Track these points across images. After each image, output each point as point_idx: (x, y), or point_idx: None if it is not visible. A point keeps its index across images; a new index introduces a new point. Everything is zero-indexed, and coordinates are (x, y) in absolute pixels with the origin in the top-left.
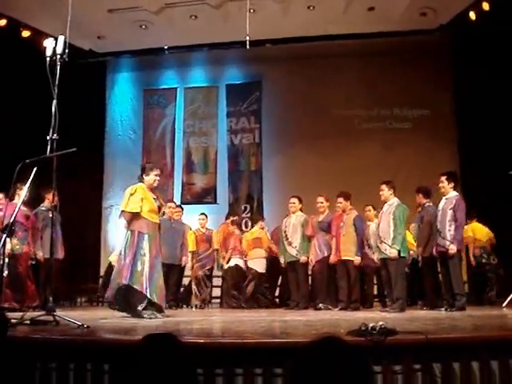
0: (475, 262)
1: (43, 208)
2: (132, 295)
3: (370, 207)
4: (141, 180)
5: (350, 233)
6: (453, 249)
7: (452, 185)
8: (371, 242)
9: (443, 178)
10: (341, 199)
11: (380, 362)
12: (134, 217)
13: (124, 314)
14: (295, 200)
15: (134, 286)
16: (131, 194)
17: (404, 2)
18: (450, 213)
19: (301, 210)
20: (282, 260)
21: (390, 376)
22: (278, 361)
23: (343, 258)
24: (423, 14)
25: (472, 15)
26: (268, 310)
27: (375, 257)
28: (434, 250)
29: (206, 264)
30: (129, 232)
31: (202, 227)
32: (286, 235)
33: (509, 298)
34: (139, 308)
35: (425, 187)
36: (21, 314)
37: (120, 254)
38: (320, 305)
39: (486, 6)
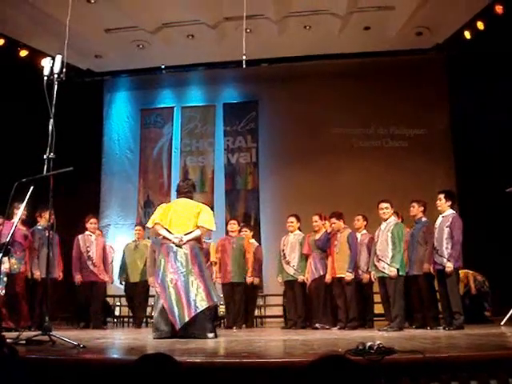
0: (476, 290)
1: (39, 227)
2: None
3: (360, 217)
4: (191, 196)
5: (343, 251)
6: (450, 267)
7: (449, 203)
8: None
9: (441, 196)
10: (333, 219)
11: (378, 381)
12: None
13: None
14: (293, 219)
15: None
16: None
17: (400, 21)
18: (446, 230)
19: (299, 228)
20: (279, 279)
21: None
22: (275, 381)
23: (338, 275)
24: (419, 33)
25: (467, 34)
26: (266, 329)
27: (372, 275)
28: (432, 268)
29: None
30: (198, 248)
31: (210, 238)
32: (284, 254)
33: (507, 316)
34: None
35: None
36: (16, 333)
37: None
38: (317, 324)
39: (480, 26)
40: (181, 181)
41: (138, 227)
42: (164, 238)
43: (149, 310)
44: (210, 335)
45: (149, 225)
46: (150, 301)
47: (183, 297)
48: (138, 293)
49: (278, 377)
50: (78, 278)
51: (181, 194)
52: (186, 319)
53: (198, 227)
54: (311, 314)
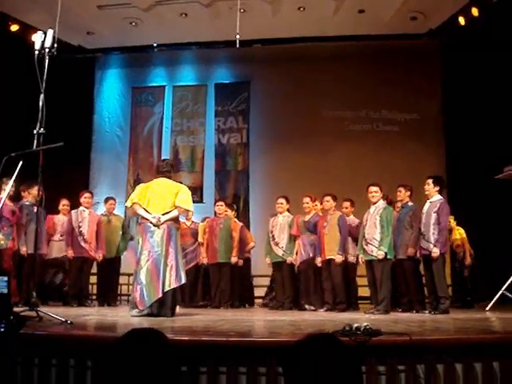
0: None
1: (27, 202)
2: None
3: (348, 203)
4: (169, 176)
5: (333, 232)
6: (436, 252)
7: (437, 188)
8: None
9: (429, 181)
10: (328, 198)
11: (364, 362)
12: None
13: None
14: (283, 200)
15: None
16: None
17: (394, 5)
18: (434, 216)
19: (288, 210)
20: (267, 260)
21: (374, 377)
22: (262, 360)
23: (327, 257)
24: (413, 17)
25: (461, 20)
26: (254, 309)
27: (360, 258)
28: (418, 253)
29: (191, 260)
30: (175, 229)
31: (188, 220)
32: (273, 235)
33: (492, 302)
34: None
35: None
36: None
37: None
38: (306, 305)
39: (475, 12)
40: (160, 160)
41: (111, 200)
42: (142, 217)
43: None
44: (170, 314)
45: (127, 204)
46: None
47: (155, 276)
48: (114, 269)
49: (264, 356)
50: (69, 252)
51: (159, 173)
52: (155, 298)
53: (175, 207)
54: (299, 296)
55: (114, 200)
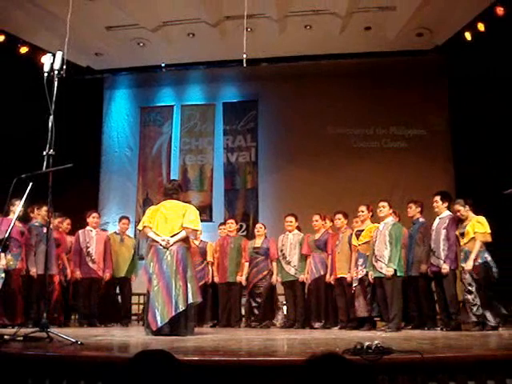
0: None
1: (36, 223)
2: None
3: (341, 215)
4: (177, 197)
5: (345, 250)
6: (446, 268)
7: (446, 204)
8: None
9: (437, 198)
10: (340, 215)
11: (375, 381)
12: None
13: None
14: (292, 219)
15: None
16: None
17: (400, 22)
18: (443, 232)
19: (298, 228)
20: (279, 279)
21: None
22: (272, 379)
23: (339, 275)
24: (419, 34)
25: (467, 36)
26: (264, 328)
27: (369, 275)
28: (429, 270)
29: (200, 279)
30: (185, 249)
31: (196, 239)
32: (284, 254)
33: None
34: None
35: (419, 200)
36: (11, 330)
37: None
38: (316, 324)
39: (481, 27)
40: (167, 182)
41: (125, 220)
42: (152, 240)
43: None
44: (188, 334)
45: (139, 227)
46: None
47: (166, 297)
48: (123, 288)
49: (275, 375)
50: (77, 273)
51: (167, 195)
52: (167, 319)
53: (183, 228)
54: (310, 314)
55: (128, 220)
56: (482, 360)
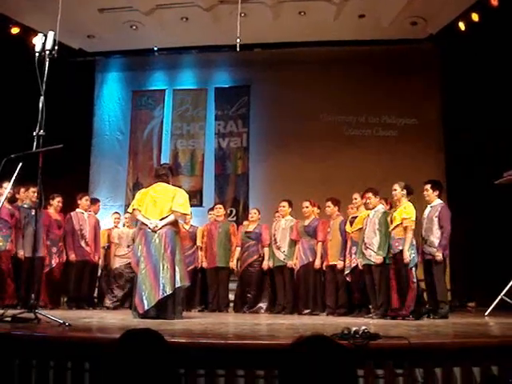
0: None
1: (25, 205)
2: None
3: (330, 202)
4: (167, 180)
5: (336, 237)
6: (439, 255)
7: (437, 193)
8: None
9: (428, 186)
10: (329, 203)
11: (362, 365)
12: None
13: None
14: (285, 204)
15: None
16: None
17: (394, 10)
18: (435, 220)
19: (290, 214)
20: (270, 264)
21: (372, 380)
22: (260, 362)
23: (331, 263)
24: (413, 23)
25: (461, 25)
26: (252, 313)
27: (359, 262)
28: (420, 258)
29: (189, 264)
30: (174, 233)
31: (186, 224)
32: (275, 239)
33: (491, 307)
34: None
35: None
36: (1, 311)
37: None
38: (304, 310)
39: (475, 17)
40: (158, 165)
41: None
42: (142, 223)
43: None
44: (175, 318)
45: (129, 210)
46: None
47: (154, 280)
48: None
49: (262, 358)
50: (72, 256)
51: (157, 177)
52: (154, 302)
53: (172, 212)
54: (298, 300)
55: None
56: (469, 347)
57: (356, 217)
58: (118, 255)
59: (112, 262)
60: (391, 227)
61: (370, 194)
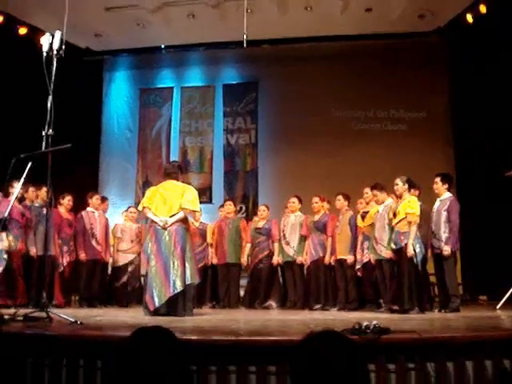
0: None
1: (36, 204)
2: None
3: (340, 196)
4: (176, 178)
5: (345, 232)
6: (447, 250)
7: (446, 186)
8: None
9: (437, 179)
10: (340, 197)
11: (374, 360)
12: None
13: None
14: (295, 199)
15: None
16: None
17: (402, 3)
18: (444, 214)
19: (300, 210)
20: (279, 259)
21: (384, 375)
22: (271, 359)
23: (339, 257)
24: (421, 15)
25: (469, 18)
26: (264, 309)
27: (371, 257)
28: (429, 252)
29: (200, 261)
30: (184, 230)
31: (196, 221)
32: (284, 235)
33: (503, 300)
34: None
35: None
36: (13, 310)
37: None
38: (315, 306)
39: (483, 9)
40: (167, 163)
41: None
42: (152, 221)
43: None
44: (186, 315)
45: (139, 208)
46: None
47: (164, 277)
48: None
49: (274, 354)
50: (82, 255)
51: (166, 176)
52: (164, 299)
53: (181, 209)
54: (309, 296)
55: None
56: (480, 340)
57: (367, 212)
58: (120, 250)
59: (115, 258)
60: (395, 221)
61: (375, 191)
